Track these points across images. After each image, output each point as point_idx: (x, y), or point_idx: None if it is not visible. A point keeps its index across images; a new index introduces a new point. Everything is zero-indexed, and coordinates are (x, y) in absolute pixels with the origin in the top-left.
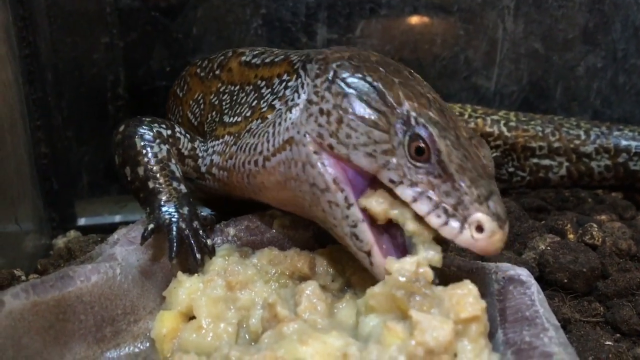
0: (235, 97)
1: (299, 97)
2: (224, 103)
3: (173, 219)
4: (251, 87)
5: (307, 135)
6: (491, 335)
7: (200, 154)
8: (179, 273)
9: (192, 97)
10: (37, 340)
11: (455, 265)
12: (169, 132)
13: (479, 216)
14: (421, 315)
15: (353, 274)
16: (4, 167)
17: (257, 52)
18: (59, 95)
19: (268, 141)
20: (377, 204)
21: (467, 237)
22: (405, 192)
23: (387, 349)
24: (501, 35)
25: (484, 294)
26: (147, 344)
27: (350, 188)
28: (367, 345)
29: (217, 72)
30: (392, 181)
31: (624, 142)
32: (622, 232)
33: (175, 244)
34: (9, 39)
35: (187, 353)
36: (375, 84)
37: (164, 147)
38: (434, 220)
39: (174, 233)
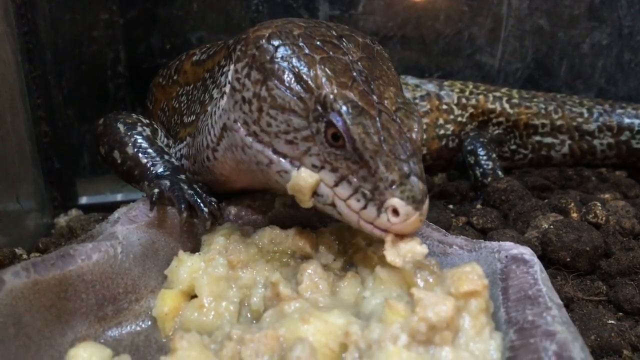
0: (190, 96)
1: (228, 83)
2: (182, 104)
3: (174, 183)
4: (200, 82)
5: (237, 122)
6: (494, 314)
7: (173, 154)
8: (180, 252)
9: (159, 107)
10: (38, 319)
11: (457, 244)
12: (148, 121)
13: (394, 201)
14: (422, 292)
15: (355, 253)
16: (4, 146)
17: (205, 49)
18: (59, 73)
19: (210, 133)
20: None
21: (384, 221)
22: (327, 177)
23: (389, 326)
24: (506, 11)
25: (487, 272)
26: (149, 323)
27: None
28: (369, 324)
29: (175, 77)
30: (314, 166)
31: (626, 120)
32: (625, 211)
33: (182, 201)
34: (7, 17)
35: (188, 331)
36: (294, 66)
37: (147, 129)
38: (354, 204)
39: (178, 192)
